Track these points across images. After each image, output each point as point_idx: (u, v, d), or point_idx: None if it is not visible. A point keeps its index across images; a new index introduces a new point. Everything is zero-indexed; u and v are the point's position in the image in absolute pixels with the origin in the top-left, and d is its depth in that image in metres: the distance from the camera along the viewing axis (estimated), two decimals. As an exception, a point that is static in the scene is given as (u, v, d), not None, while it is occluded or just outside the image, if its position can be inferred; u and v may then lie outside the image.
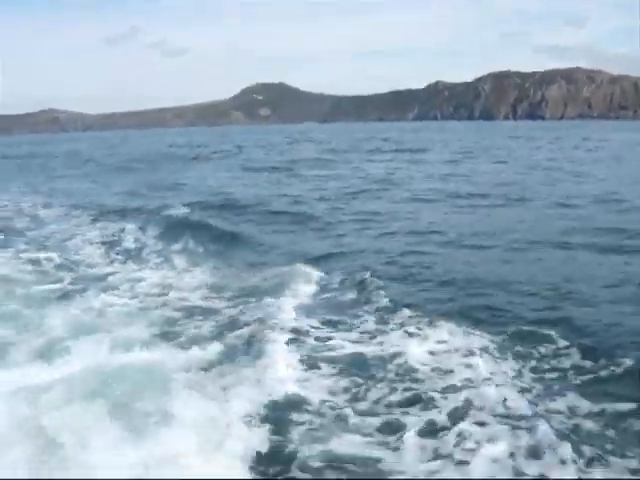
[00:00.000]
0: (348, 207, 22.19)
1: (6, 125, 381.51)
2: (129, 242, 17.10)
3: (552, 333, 8.81)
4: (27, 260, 14.44)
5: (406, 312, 9.96)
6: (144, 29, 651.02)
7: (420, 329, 9.16)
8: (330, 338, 9.14)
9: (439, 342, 8.70)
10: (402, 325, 9.43)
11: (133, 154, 60.90)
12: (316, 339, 9.10)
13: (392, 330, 9.29)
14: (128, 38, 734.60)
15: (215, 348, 8.70)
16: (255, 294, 11.35)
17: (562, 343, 8.56)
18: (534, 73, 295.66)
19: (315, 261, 13.73)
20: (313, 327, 9.59)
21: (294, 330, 9.37)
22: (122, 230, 18.64)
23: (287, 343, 8.82)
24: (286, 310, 10.21)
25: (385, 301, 10.54)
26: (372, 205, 22.54)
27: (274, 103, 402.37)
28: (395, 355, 8.34)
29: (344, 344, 8.86)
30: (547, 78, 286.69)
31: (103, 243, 16.97)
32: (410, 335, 9.01)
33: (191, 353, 8.45)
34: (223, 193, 26.43)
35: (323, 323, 9.78)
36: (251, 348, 8.62)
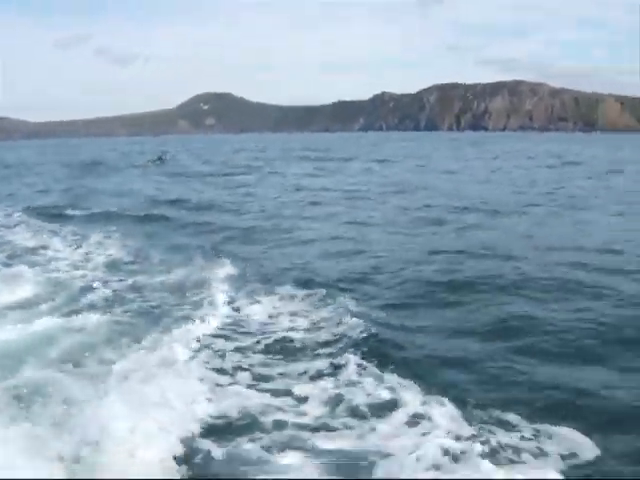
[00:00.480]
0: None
1: None
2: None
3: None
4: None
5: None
6: (93, 35, 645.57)
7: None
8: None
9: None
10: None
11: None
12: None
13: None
14: (76, 44, 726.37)
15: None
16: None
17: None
18: (477, 85, 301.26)
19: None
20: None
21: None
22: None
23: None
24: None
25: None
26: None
27: (220, 113, 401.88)
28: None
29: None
30: (491, 90, 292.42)
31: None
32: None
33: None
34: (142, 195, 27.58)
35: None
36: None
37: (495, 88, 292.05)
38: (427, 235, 17.22)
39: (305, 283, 11.81)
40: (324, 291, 11.13)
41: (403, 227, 18.58)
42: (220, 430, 6.50)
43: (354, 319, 9.49)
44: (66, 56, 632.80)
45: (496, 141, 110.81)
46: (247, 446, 6.20)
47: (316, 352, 8.59)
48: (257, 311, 10.48)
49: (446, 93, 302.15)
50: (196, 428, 6.48)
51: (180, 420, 6.57)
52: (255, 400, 7.15)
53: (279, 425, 6.57)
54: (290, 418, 6.72)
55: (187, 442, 6.18)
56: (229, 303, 10.84)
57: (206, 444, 6.21)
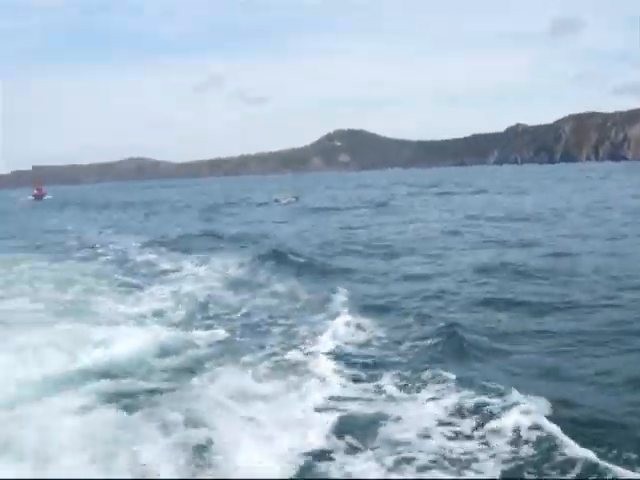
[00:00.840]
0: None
1: (101, 172, 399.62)
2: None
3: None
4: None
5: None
6: (228, 76, 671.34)
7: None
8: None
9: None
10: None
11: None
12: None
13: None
14: (212, 86, 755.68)
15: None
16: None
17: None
18: (615, 113, 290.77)
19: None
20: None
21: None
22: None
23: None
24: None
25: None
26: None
27: (353, 149, 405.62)
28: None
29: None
30: (629, 118, 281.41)
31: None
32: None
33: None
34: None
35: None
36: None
37: (634, 116, 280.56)
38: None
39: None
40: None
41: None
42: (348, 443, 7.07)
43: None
44: (203, 99, 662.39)
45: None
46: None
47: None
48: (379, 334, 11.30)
49: (582, 123, 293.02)
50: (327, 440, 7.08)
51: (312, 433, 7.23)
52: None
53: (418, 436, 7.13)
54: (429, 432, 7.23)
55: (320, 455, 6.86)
56: (352, 326, 11.57)
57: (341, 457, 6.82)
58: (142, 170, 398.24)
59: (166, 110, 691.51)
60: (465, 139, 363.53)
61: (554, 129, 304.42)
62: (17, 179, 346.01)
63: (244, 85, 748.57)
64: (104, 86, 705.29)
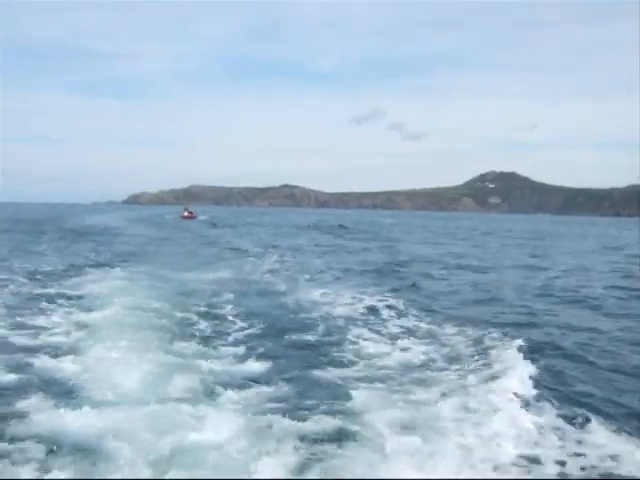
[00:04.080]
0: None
1: (250, 195, 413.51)
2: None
3: None
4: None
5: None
6: (387, 110, 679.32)
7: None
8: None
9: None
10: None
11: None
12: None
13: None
14: (370, 119, 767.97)
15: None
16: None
17: None
18: None
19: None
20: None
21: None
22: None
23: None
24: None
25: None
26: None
27: (505, 192, 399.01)
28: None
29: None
30: None
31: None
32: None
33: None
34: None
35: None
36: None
37: None
38: None
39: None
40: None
41: None
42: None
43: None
44: (360, 131, 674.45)
45: None
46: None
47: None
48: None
49: None
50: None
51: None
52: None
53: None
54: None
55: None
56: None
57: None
58: (293, 197, 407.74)
59: (322, 140, 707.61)
60: (624, 188, 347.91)
61: None
62: (174, 197, 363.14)
63: (402, 120, 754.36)
64: (261, 113, 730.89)
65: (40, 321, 14.20)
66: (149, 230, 60.09)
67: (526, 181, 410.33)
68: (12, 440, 7.45)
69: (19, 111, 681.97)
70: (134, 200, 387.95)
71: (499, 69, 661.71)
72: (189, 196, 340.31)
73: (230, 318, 15.20)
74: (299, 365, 11.07)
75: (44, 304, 16.24)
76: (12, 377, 9.92)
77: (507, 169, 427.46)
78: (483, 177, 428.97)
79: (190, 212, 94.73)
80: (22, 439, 7.45)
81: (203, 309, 16.12)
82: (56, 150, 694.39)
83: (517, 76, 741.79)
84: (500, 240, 58.05)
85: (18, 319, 14.29)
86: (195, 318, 14.98)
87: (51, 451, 7.16)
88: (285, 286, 21.13)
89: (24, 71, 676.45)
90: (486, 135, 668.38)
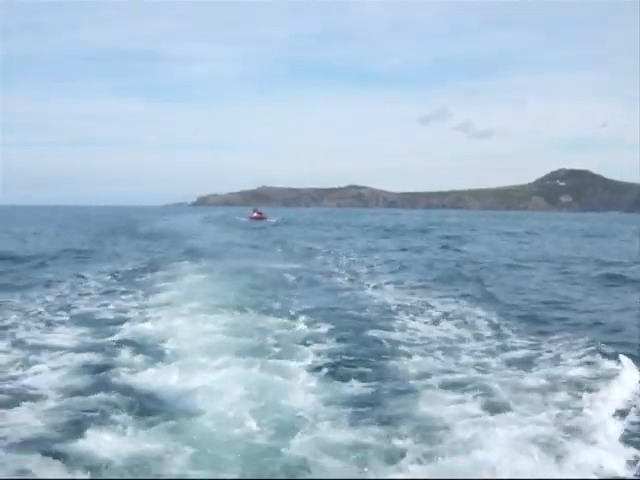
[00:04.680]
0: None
1: (318, 196, 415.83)
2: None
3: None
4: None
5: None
6: (454, 110, 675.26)
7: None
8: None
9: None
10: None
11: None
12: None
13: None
14: (437, 118, 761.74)
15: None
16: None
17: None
18: None
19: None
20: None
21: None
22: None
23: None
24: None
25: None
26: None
27: (576, 190, 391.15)
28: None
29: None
30: None
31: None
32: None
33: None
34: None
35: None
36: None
37: None
38: None
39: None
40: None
41: None
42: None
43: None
44: (427, 131, 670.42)
45: None
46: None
47: None
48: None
49: None
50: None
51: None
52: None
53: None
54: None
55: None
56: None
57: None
58: (361, 198, 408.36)
59: (389, 140, 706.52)
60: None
61: None
62: (244, 198, 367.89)
63: (469, 119, 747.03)
64: (326, 114, 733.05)
65: (126, 304, 16.60)
66: (221, 230, 62.49)
67: (598, 178, 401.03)
68: (110, 392, 8.99)
69: (87, 115, 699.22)
70: (203, 202, 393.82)
71: (567, 67, 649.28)
72: (258, 197, 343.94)
73: (299, 310, 15.89)
74: (374, 358, 11.34)
75: (125, 294, 18.48)
76: (107, 342, 12.23)
77: (579, 167, 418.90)
78: (553, 175, 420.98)
79: (259, 213, 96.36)
80: (121, 393, 8.97)
81: (276, 304, 16.79)
82: (125, 153, 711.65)
83: (585, 74, 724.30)
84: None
85: (109, 302, 16.77)
86: (268, 308, 16.03)
87: (141, 407, 8.51)
88: (358, 284, 22.06)
89: (91, 76, 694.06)
90: (554, 133, 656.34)
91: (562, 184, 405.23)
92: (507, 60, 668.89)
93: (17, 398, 8.76)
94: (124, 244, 40.59)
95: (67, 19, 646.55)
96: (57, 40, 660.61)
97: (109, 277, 22.58)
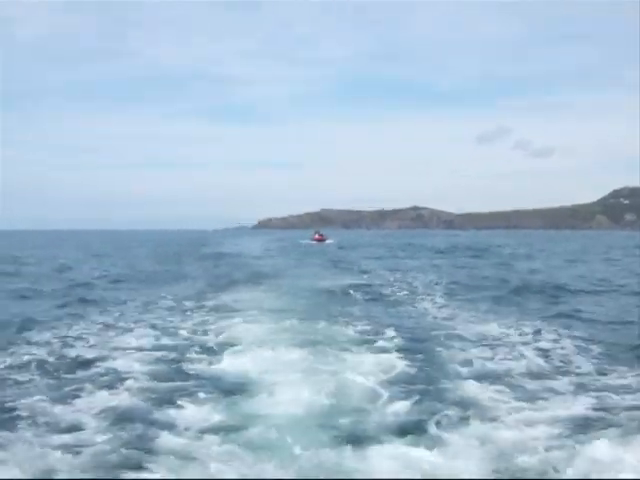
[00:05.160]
0: None
1: (379, 217, 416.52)
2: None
3: None
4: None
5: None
6: (512, 128, 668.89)
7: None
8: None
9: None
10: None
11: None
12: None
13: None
14: (496, 137, 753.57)
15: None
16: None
17: None
18: None
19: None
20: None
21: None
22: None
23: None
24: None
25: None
26: None
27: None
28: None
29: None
30: None
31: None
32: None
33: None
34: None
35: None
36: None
37: None
38: None
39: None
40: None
41: None
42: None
43: None
44: (486, 149, 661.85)
45: None
46: None
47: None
48: None
49: None
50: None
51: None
52: None
53: None
54: None
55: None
56: None
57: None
58: (421, 219, 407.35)
59: (447, 160, 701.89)
60: None
61: None
62: (305, 221, 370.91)
63: (528, 137, 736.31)
64: (385, 133, 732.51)
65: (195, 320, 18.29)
66: (283, 252, 64.55)
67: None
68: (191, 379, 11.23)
69: (142, 136, 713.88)
70: (264, 225, 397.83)
71: (627, 84, 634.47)
72: (318, 220, 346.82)
73: (359, 321, 17.54)
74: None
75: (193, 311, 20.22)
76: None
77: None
78: (617, 193, 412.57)
79: (320, 235, 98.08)
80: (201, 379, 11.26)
81: (340, 318, 18.05)
82: (184, 175, 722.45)
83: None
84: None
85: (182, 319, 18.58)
86: (331, 320, 17.59)
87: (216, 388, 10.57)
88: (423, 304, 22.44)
89: (152, 98, 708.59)
90: (615, 151, 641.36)
91: (626, 202, 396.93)
92: (568, 77, 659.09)
93: (113, 380, 11.08)
94: (190, 266, 42.53)
95: (121, 40, 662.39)
96: (114, 64, 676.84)
97: (181, 294, 24.52)
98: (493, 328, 16.74)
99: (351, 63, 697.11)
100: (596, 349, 14.01)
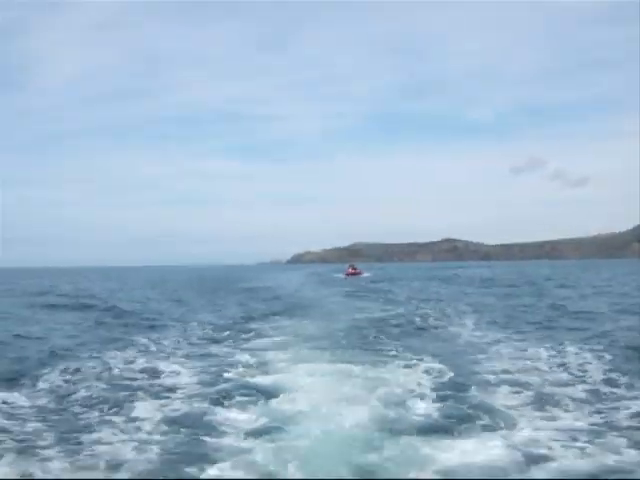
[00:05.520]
0: None
1: (412, 250, 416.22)
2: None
3: None
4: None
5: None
6: (545, 158, 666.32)
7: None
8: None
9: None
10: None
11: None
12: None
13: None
14: (530, 167, 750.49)
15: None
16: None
17: None
18: None
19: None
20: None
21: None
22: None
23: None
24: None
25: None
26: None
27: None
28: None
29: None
30: None
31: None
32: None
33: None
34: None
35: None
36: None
37: None
38: None
39: None
40: None
41: None
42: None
43: None
44: (520, 180, 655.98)
45: None
46: None
47: None
48: None
49: None
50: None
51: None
52: None
53: None
54: None
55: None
56: None
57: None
58: (455, 251, 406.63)
59: (481, 192, 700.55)
60: None
61: None
62: (338, 255, 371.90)
63: (563, 166, 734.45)
64: (418, 166, 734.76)
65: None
66: (319, 285, 65.63)
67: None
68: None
69: (179, 174, 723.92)
70: (298, 259, 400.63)
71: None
72: (352, 254, 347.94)
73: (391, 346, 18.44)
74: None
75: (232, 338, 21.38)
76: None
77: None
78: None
79: (354, 268, 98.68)
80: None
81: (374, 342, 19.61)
82: (218, 212, 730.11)
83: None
84: None
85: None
86: (365, 346, 18.66)
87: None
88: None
89: (189, 138, 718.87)
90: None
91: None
92: (598, 104, 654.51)
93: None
94: (231, 299, 43.53)
95: (152, 79, 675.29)
96: (144, 103, 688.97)
97: (223, 324, 25.85)
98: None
99: (381, 97, 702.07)
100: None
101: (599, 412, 10.76)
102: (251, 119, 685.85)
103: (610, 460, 8.34)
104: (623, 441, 9.05)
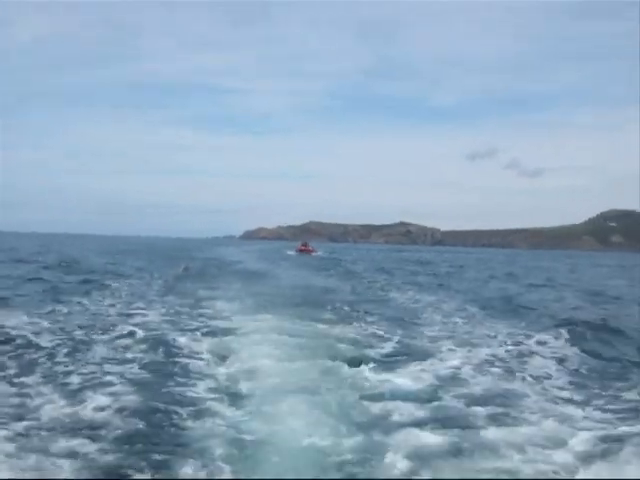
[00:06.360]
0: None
1: (367, 232, 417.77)
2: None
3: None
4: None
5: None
6: (502, 147, 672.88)
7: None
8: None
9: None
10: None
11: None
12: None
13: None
14: (486, 156, 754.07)
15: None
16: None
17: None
18: None
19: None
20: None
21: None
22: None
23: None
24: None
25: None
26: None
27: (627, 231, 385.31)
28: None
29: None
30: None
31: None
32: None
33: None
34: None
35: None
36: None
37: None
38: None
39: None
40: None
41: None
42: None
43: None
44: (475, 168, 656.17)
45: None
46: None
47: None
48: None
49: None
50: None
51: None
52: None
53: None
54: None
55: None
56: None
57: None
58: (409, 235, 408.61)
59: (437, 177, 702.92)
60: None
61: None
62: (292, 233, 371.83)
63: (519, 157, 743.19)
64: (376, 148, 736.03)
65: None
66: (272, 260, 65.70)
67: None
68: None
69: (150, 145, 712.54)
70: (252, 235, 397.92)
71: (618, 103, 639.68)
72: (306, 232, 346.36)
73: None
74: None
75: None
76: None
77: (629, 206, 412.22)
78: (603, 216, 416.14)
79: (306, 245, 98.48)
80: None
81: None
82: (177, 184, 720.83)
83: (636, 111, 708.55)
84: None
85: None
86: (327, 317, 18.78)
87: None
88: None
89: (146, 106, 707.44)
90: (605, 171, 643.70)
91: (612, 224, 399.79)
92: (558, 97, 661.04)
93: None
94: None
95: (121, 46, 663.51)
96: (113, 69, 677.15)
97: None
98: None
99: (347, 78, 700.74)
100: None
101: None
102: (216, 91, 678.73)
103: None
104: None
